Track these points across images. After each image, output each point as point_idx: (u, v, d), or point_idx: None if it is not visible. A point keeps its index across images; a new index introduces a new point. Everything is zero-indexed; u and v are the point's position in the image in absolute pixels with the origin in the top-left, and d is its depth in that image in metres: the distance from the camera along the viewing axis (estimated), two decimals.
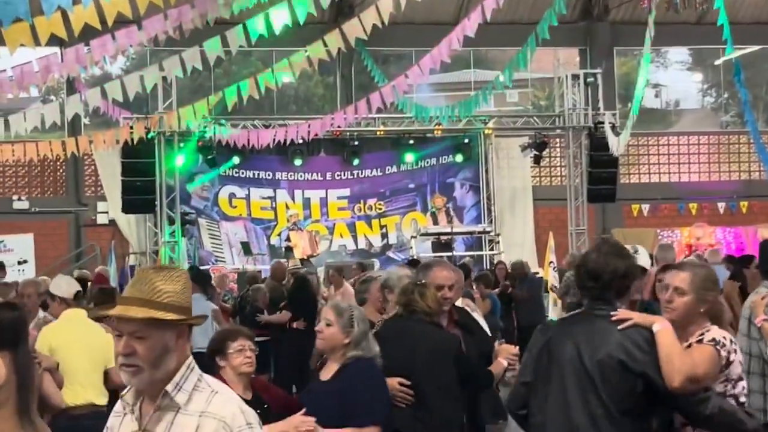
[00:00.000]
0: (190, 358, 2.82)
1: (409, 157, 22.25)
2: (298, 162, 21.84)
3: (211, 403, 2.74)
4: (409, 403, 5.05)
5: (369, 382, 4.81)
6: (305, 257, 19.06)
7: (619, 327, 3.97)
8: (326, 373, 4.93)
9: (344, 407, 4.66)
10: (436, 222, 20.90)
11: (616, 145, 17.90)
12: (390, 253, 22.26)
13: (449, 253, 18.75)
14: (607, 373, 3.92)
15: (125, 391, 2.86)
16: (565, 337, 4.10)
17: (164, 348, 2.73)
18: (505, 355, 5.55)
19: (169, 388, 2.73)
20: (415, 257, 18.28)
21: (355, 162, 22.04)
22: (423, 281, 5.48)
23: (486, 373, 5.45)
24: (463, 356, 5.26)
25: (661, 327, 3.95)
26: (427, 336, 5.20)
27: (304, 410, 4.63)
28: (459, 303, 6.12)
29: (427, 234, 20.08)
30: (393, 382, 5.02)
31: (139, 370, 2.71)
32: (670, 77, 27.72)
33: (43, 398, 5.34)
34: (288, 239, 19.73)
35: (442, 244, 19.62)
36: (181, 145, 20.20)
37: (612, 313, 4.02)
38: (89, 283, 11.80)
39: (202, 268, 18.92)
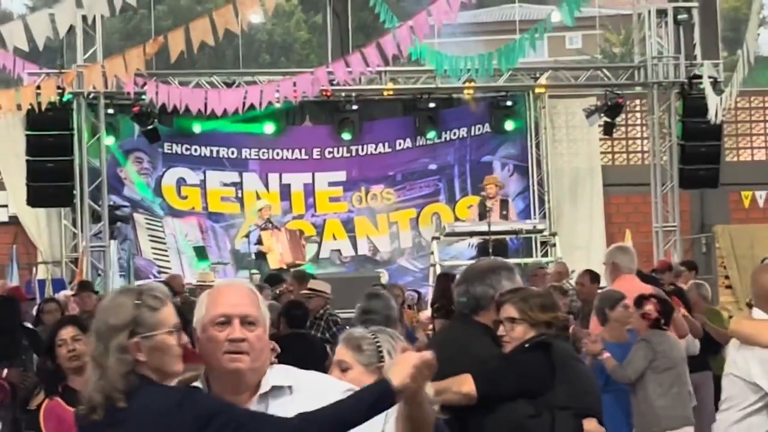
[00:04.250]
0: None
1: (429, 127, 22.17)
2: (272, 133, 21.79)
3: None
4: None
5: None
6: (284, 266, 18.94)
7: None
8: None
9: None
10: (484, 217, 19.07)
11: (719, 107, 17.82)
12: (402, 261, 22.21)
13: None
14: None
15: None
16: None
17: None
18: None
19: None
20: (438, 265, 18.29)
21: (351, 135, 21.98)
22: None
23: None
24: None
25: None
26: None
27: None
28: None
29: (453, 234, 20.00)
30: None
31: None
32: None
33: None
34: (259, 242, 19.61)
35: (492, 247, 18.54)
36: (110, 111, 20.19)
37: None
38: None
39: (139, 283, 18.98)
